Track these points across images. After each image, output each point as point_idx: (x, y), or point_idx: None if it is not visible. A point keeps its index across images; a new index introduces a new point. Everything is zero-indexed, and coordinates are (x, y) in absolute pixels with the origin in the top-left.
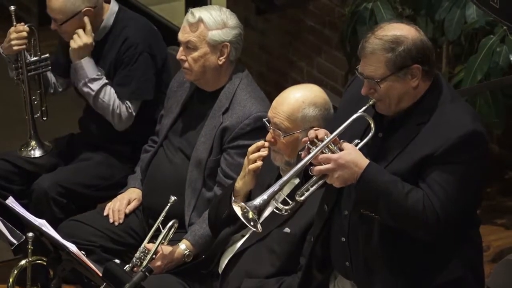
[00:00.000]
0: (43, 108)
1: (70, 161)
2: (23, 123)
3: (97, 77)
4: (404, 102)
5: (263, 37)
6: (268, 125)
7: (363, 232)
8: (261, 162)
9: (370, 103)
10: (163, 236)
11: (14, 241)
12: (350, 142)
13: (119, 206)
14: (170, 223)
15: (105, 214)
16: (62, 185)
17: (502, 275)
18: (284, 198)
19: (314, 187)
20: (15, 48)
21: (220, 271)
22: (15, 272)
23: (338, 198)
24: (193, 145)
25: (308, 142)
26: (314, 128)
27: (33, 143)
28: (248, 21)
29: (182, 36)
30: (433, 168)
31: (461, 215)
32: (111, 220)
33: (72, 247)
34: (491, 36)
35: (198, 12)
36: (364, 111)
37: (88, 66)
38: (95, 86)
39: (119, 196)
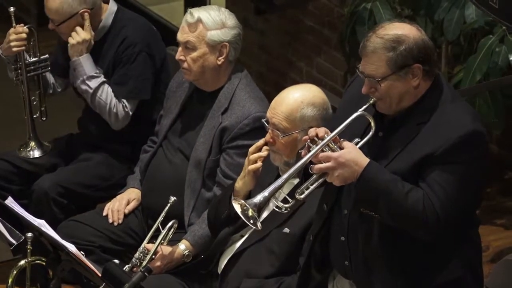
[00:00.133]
0: (42, 109)
1: (69, 161)
2: (23, 124)
3: (95, 75)
4: (404, 101)
5: (262, 37)
6: (266, 125)
7: (363, 232)
8: (261, 163)
9: (371, 102)
10: (163, 236)
11: (13, 241)
12: (351, 141)
13: (118, 206)
14: (170, 224)
15: (104, 214)
16: (62, 185)
17: (501, 275)
18: (285, 197)
19: (314, 185)
20: (14, 49)
21: (219, 271)
22: (15, 272)
23: (338, 197)
24: (193, 145)
25: (309, 141)
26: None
27: (32, 143)
28: (247, 21)
29: (181, 36)
30: (433, 167)
31: (461, 215)
32: (110, 220)
33: (71, 247)
34: (490, 36)
35: (197, 12)
36: (364, 110)
37: (86, 64)
38: (93, 84)
39: (118, 197)
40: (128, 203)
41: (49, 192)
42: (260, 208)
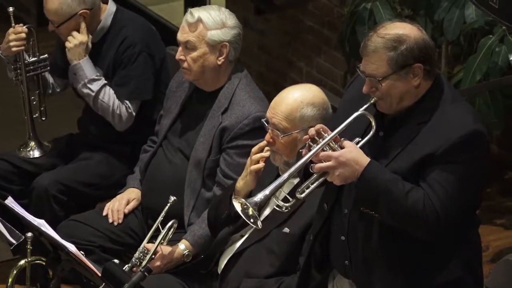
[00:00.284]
0: (42, 109)
1: (69, 161)
2: (22, 124)
3: (97, 77)
4: (405, 101)
5: (262, 37)
6: (266, 125)
7: (363, 231)
8: (263, 164)
9: (372, 101)
10: (163, 236)
11: (13, 241)
12: (351, 140)
13: (118, 206)
14: (170, 223)
15: (104, 214)
16: (62, 182)
17: (501, 275)
18: (285, 196)
19: (315, 184)
20: (13, 49)
21: (219, 271)
22: (14, 272)
23: (338, 197)
24: (192, 145)
25: (309, 140)
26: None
27: (32, 143)
28: (247, 21)
29: (181, 36)
30: (433, 167)
31: (461, 215)
32: (110, 220)
33: (71, 247)
34: (490, 36)
35: (197, 12)
36: (365, 110)
37: (87, 67)
38: (94, 86)
39: (118, 196)
40: (128, 203)
41: (49, 189)
42: (260, 207)
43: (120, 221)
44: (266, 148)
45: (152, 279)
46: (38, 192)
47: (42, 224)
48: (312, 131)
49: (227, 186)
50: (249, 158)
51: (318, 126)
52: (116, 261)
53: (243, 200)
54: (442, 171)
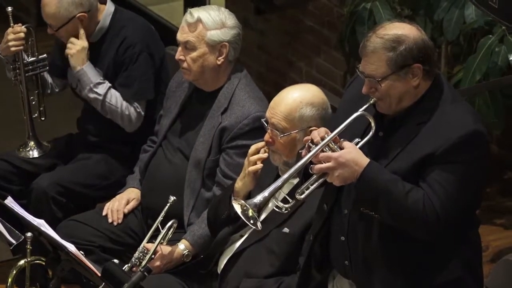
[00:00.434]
0: (41, 108)
1: (68, 161)
2: (22, 124)
3: (101, 81)
4: (405, 101)
5: (262, 37)
6: (266, 125)
7: (363, 231)
8: (261, 165)
9: (371, 102)
10: (162, 236)
11: (13, 241)
12: (351, 141)
13: (118, 206)
14: (169, 223)
15: (104, 214)
16: (61, 184)
17: (500, 275)
18: (284, 197)
19: (314, 185)
20: (12, 49)
21: (219, 271)
22: (14, 272)
23: (338, 197)
24: (192, 145)
25: (309, 141)
26: (313, 128)
27: (31, 143)
28: (247, 21)
29: (180, 36)
30: (433, 167)
31: (461, 215)
32: (110, 220)
33: (71, 247)
34: (490, 36)
35: (197, 12)
36: (364, 110)
37: (90, 72)
38: (101, 90)
39: (117, 196)
40: (127, 203)
41: (48, 191)
42: (260, 208)
43: (120, 221)
44: (264, 149)
45: (151, 279)
46: (37, 193)
47: (41, 224)
48: (314, 134)
49: (226, 186)
50: (246, 159)
51: (323, 132)
52: (115, 261)
53: (243, 201)
54: (442, 171)
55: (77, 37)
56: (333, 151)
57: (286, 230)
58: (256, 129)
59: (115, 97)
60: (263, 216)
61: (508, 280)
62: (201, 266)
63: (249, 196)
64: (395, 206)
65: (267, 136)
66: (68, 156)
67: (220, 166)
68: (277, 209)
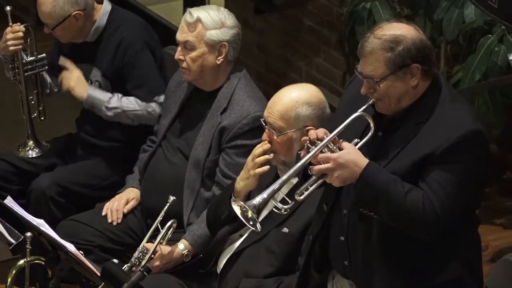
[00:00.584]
0: (40, 108)
1: (68, 161)
2: (21, 123)
3: (110, 95)
4: (403, 101)
5: (262, 37)
6: (264, 125)
7: (362, 231)
8: (268, 167)
9: (370, 102)
10: (162, 236)
11: (13, 241)
12: (350, 141)
13: (117, 206)
14: (169, 223)
15: (103, 214)
16: (60, 184)
17: (500, 275)
18: (283, 197)
19: (314, 186)
20: (11, 48)
21: (218, 270)
22: (14, 272)
23: (337, 197)
24: (192, 145)
25: (308, 142)
26: (310, 127)
27: (30, 143)
28: (246, 21)
29: (180, 36)
30: (433, 167)
31: (461, 215)
32: (109, 220)
33: (70, 247)
34: (489, 35)
35: (196, 12)
36: (363, 111)
37: (97, 93)
38: (115, 103)
39: (117, 196)
40: (127, 203)
41: (47, 192)
42: (259, 210)
43: (119, 221)
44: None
45: (151, 279)
46: (36, 194)
47: (41, 224)
48: (311, 133)
49: (226, 186)
50: (249, 159)
51: (322, 133)
52: (115, 261)
53: (242, 203)
54: (442, 171)
55: (75, 37)
56: (332, 152)
57: (285, 230)
58: (256, 129)
59: (130, 102)
60: (263, 214)
61: (507, 280)
62: (201, 266)
63: (249, 195)
64: (395, 207)
65: (264, 136)
66: (67, 156)
67: (219, 166)
68: (276, 210)
